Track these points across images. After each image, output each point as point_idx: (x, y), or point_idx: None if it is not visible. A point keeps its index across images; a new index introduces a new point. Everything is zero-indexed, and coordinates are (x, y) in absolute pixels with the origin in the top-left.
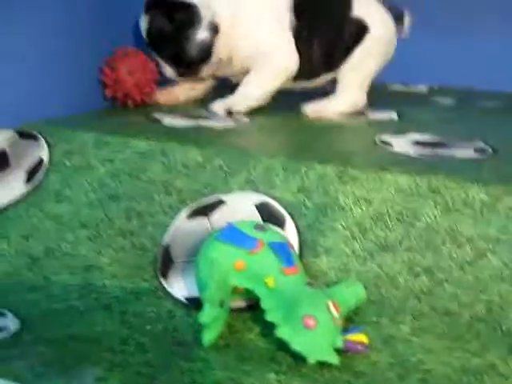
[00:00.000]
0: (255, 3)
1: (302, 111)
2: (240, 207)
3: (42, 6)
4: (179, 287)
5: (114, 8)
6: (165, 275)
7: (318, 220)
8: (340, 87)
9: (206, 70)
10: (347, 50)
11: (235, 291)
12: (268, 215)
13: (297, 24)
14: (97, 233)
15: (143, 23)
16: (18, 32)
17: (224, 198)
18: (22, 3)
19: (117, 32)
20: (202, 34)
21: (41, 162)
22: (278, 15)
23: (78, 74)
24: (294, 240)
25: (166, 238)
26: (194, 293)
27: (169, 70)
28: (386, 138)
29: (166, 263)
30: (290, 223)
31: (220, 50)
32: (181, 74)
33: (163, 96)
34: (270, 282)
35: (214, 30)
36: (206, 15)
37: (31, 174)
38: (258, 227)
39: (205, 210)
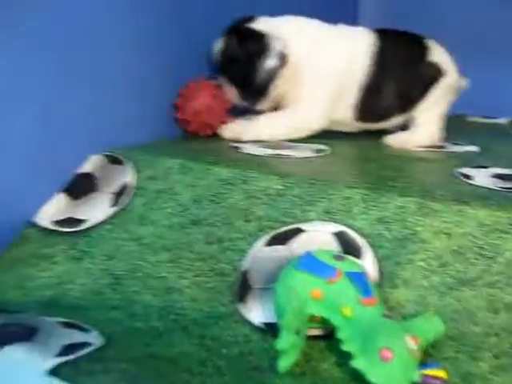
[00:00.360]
0: (330, 47)
1: (384, 142)
2: (318, 236)
3: (129, 34)
4: (256, 313)
5: (191, 38)
6: (243, 300)
7: (397, 252)
8: (418, 123)
9: (266, 101)
10: (423, 92)
11: (312, 319)
12: (346, 245)
13: (373, 69)
14: (178, 256)
15: (217, 45)
16: (107, 60)
17: (303, 226)
18: (114, 32)
19: (194, 61)
20: (271, 62)
21: (126, 185)
22: (348, 65)
23: (159, 101)
24: (371, 271)
25: (245, 264)
26: (271, 319)
27: (233, 93)
28: (467, 170)
29: (244, 289)
30: (368, 254)
31: (281, 82)
32: (244, 98)
33: (227, 132)
34: (347, 311)
35: (283, 59)
36: (276, 45)
37: (117, 197)
38: (336, 257)
39: (283, 238)
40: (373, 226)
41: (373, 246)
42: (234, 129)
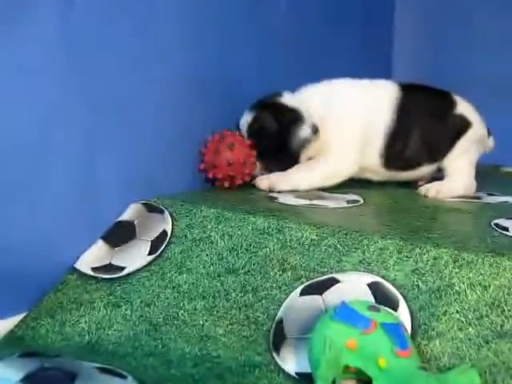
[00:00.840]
0: (352, 99)
1: (418, 192)
2: (353, 287)
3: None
4: (291, 362)
5: (214, 94)
6: (277, 350)
7: (432, 303)
8: (449, 173)
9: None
10: (451, 142)
11: (347, 370)
12: (381, 296)
13: (397, 119)
14: (213, 304)
15: (247, 119)
16: (147, 112)
17: (338, 276)
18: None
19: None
20: (306, 131)
21: (164, 233)
22: (370, 114)
23: (197, 153)
24: (406, 322)
25: (280, 313)
26: (306, 369)
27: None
28: (502, 221)
29: (279, 338)
30: (402, 305)
31: (312, 148)
32: (269, 170)
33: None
34: (383, 363)
35: (315, 130)
36: (308, 117)
37: (155, 245)
38: (371, 307)
39: (318, 288)
40: (407, 277)
41: (407, 297)
42: (269, 179)
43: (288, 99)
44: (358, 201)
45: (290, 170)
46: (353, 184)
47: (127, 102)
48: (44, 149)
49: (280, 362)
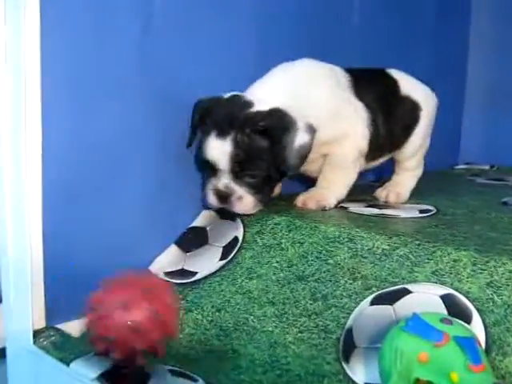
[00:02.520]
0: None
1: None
2: (425, 298)
3: None
4: (361, 372)
5: None
6: (347, 359)
7: (507, 318)
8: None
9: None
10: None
11: (418, 383)
12: (454, 308)
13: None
14: (283, 311)
15: (222, 149)
16: None
17: (409, 287)
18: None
19: None
20: (302, 137)
21: (236, 240)
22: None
23: None
24: (480, 336)
25: (350, 322)
26: (376, 379)
27: (249, 201)
28: None
29: (348, 347)
30: (476, 318)
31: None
32: (263, 200)
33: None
34: (455, 377)
35: (313, 130)
36: (298, 117)
37: (226, 251)
38: (444, 320)
39: (390, 298)
40: (482, 290)
41: (481, 310)
42: (314, 198)
43: (259, 102)
44: (430, 210)
45: (321, 184)
46: (425, 193)
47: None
48: (122, 155)
49: (349, 372)
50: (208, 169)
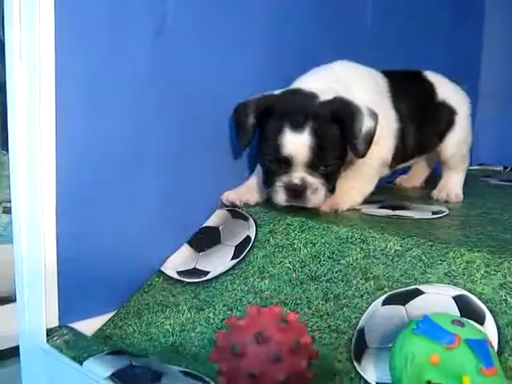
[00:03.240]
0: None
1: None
2: (438, 299)
3: None
4: (372, 372)
5: None
6: (358, 359)
7: None
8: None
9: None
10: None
11: None
12: (467, 309)
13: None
14: (295, 311)
15: (300, 142)
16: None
17: (422, 288)
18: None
19: None
20: (368, 122)
21: (248, 239)
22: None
23: None
24: (493, 337)
25: (362, 323)
26: (387, 379)
27: (322, 194)
28: None
29: (360, 347)
30: (489, 319)
31: None
32: (331, 190)
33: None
34: (467, 380)
35: (376, 116)
36: (361, 105)
37: (239, 250)
38: (455, 322)
39: (402, 299)
40: (495, 291)
41: (494, 311)
42: (328, 201)
43: (321, 93)
44: (443, 211)
45: (341, 186)
46: None
47: (215, 116)
48: (135, 156)
49: (361, 371)
50: (277, 166)
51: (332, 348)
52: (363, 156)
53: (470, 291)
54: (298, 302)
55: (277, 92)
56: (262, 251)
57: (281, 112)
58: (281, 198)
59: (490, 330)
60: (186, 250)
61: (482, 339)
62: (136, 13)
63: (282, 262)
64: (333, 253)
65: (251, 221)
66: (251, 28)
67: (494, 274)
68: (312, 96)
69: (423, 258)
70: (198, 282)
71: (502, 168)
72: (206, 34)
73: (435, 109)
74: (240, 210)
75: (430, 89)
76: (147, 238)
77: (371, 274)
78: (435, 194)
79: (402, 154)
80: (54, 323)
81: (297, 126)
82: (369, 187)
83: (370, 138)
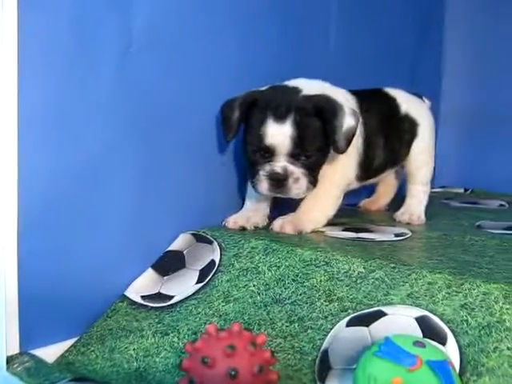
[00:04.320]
0: None
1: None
2: (401, 320)
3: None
4: None
5: None
6: (323, 380)
7: (482, 339)
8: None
9: None
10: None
11: None
12: (429, 330)
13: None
14: (259, 332)
15: (282, 132)
16: (198, 148)
17: (385, 309)
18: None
19: None
20: (349, 121)
21: (213, 263)
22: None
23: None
24: (455, 357)
25: (326, 344)
26: None
27: (304, 183)
28: None
29: (324, 368)
30: (451, 340)
31: None
32: (312, 182)
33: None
34: None
35: (357, 116)
36: (344, 103)
37: (203, 274)
38: (416, 343)
39: (365, 320)
40: (456, 312)
41: (456, 332)
42: (292, 223)
43: (305, 89)
44: (406, 234)
45: (301, 209)
46: None
47: (179, 140)
48: (99, 181)
49: None
50: (260, 156)
51: (296, 369)
52: (343, 152)
53: (431, 312)
54: (262, 323)
55: (259, 89)
56: (227, 275)
57: (264, 104)
58: (264, 187)
59: (451, 350)
60: (150, 275)
61: (443, 360)
62: (102, 34)
63: (246, 285)
64: (297, 275)
65: (215, 244)
66: (219, 49)
67: (455, 295)
68: (295, 90)
69: (386, 279)
70: (163, 307)
71: (462, 190)
72: (173, 55)
73: (400, 122)
74: (204, 234)
75: (393, 103)
76: (111, 261)
77: (335, 295)
78: (398, 215)
79: (372, 167)
80: (15, 350)
81: (280, 117)
82: (332, 208)
83: (350, 136)
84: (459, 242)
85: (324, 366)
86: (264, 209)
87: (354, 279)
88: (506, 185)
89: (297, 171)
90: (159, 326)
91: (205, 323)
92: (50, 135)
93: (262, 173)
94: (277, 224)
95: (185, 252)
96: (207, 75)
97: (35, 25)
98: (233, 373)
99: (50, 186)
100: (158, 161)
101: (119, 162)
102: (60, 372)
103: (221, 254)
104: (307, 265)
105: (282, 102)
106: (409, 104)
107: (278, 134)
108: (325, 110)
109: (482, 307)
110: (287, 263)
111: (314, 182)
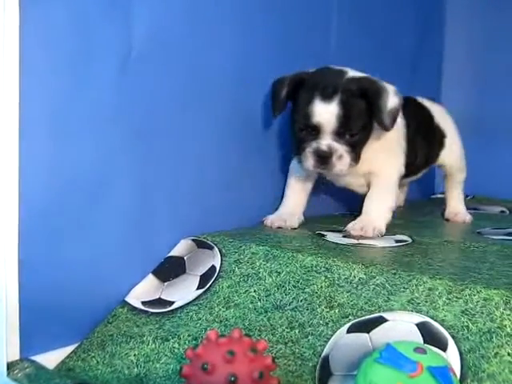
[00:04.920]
0: None
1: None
2: (401, 326)
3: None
4: None
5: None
6: None
7: (482, 345)
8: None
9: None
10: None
11: None
12: (429, 336)
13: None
14: (260, 338)
15: (328, 111)
16: (198, 153)
17: (386, 315)
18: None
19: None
20: (394, 100)
21: (213, 269)
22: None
23: (246, 192)
24: (455, 363)
25: (327, 350)
26: None
27: (347, 161)
28: None
29: (324, 374)
30: (452, 346)
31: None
32: (355, 160)
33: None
34: None
35: (400, 96)
36: (387, 85)
37: (204, 280)
38: (417, 349)
39: (366, 326)
40: (457, 317)
41: (457, 337)
42: (369, 226)
43: (350, 71)
44: (406, 240)
45: (368, 208)
46: (401, 223)
47: (179, 146)
48: (99, 188)
49: None
50: (307, 134)
51: (296, 375)
52: (389, 130)
53: (432, 318)
54: (263, 329)
55: (309, 70)
56: (228, 281)
57: (312, 85)
58: (310, 163)
59: (452, 356)
60: (151, 280)
61: (443, 366)
62: (102, 43)
63: (247, 291)
64: (298, 281)
65: (216, 250)
66: (219, 53)
67: (455, 301)
68: (342, 72)
69: (387, 285)
70: (163, 313)
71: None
72: (173, 64)
73: (434, 130)
74: (205, 240)
75: (428, 113)
76: (112, 267)
77: (336, 302)
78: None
79: (413, 166)
80: (15, 356)
81: (326, 97)
82: (393, 201)
83: (395, 114)
84: (460, 248)
85: (325, 372)
86: (299, 212)
87: (355, 285)
88: (507, 191)
89: (341, 149)
90: (160, 331)
91: (205, 329)
92: (50, 143)
93: (308, 149)
94: (355, 229)
95: (185, 258)
96: (208, 80)
97: (38, 34)
98: (232, 379)
99: (51, 194)
100: (157, 167)
101: (119, 168)
102: (60, 378)
103: (221, 260)
104: (308, 271)
105: (328, 83)
106: (438, 115)
107: (325, 112)
108: (369, 91)
109: (482, 313)
110: (288, 269)
111: (356, 159)
